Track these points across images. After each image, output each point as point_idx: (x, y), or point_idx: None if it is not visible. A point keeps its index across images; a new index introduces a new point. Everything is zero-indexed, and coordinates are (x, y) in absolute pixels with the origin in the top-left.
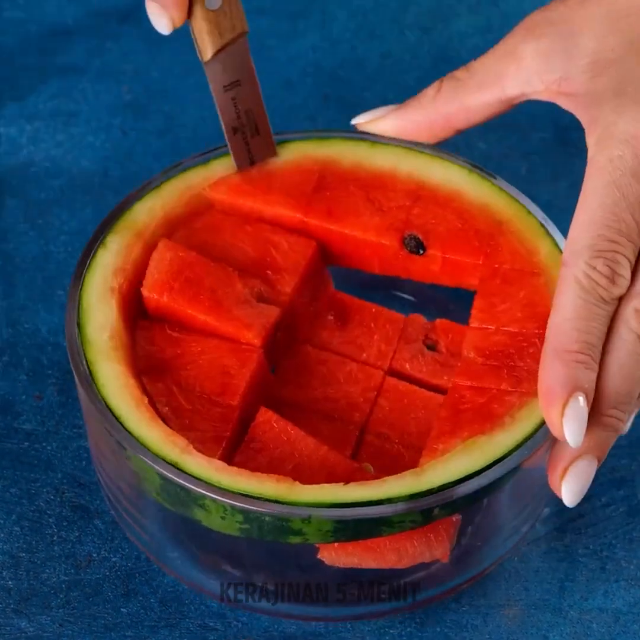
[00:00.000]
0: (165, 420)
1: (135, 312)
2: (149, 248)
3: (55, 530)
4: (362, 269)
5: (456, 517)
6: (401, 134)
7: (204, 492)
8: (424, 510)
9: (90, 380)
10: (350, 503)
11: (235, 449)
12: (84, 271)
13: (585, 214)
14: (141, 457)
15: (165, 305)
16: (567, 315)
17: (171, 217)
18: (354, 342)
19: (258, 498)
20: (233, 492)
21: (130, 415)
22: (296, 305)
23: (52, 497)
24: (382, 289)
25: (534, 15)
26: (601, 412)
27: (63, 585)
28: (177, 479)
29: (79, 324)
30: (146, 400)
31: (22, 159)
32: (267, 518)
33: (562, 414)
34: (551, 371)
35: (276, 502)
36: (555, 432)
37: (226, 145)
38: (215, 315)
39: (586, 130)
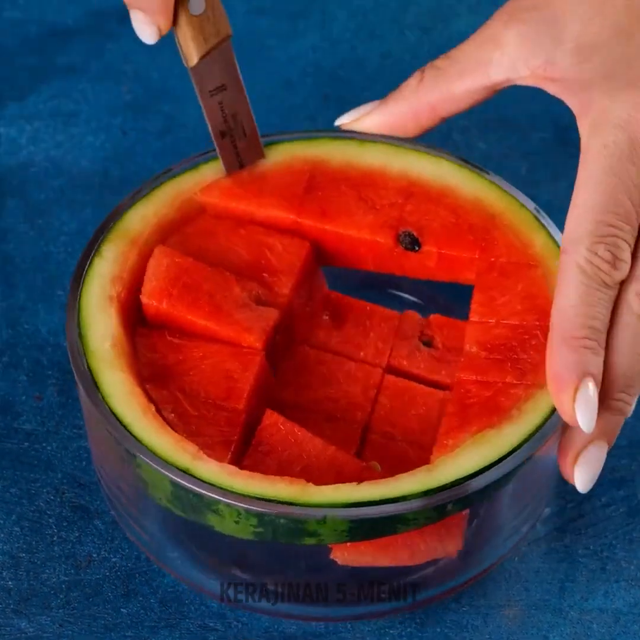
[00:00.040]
0: (172, 426)
1: (134, 320)
2: (144, 255)
3: (55, 530)
4: (356, 267)
5: (465, 512)
6: (387, 129)
7: (217, 497)
8: (438, 506)
9: (95, 389)
10: (365, 502)
11: (243, 453)
12: (82, 281)
13: (583, 200)
14: (152, 465)
15: (165, 311)
16: (572, 302)
17: (164, 224)
18: (351, 341)
19: (272, 501)
20: (247, 496)
21: (139, 423)
22: (293, 307)
23: (52, 497)
24: (374, 287)
25: (515, 0)
26: (609, 397)
27: (63, 586)
28: (190, 485)
29: (80, 334)
30: (153, 408)
31: (22, 159)
32: (281, 521)
33: (574, 400)
34: (559, 358)
35: (291, 504)
36: (567, 418)
37: (214, 150)
38: (216, 319)
39: (577, 116)
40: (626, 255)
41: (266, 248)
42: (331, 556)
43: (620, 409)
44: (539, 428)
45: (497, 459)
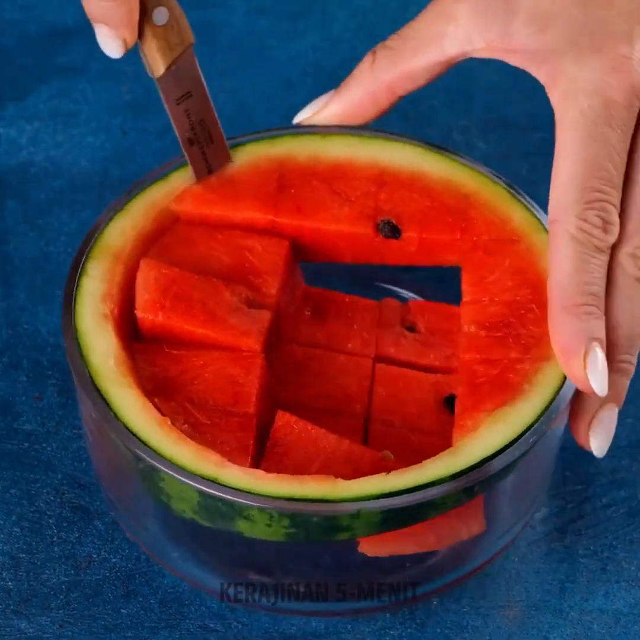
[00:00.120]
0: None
1: (129, 336)
2: (129, 270)
3: (55, 531)
4: (334, 261)
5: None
6: (346, 116)
7: (249, 502)
8: (467, 488)
9: (106, 408)
10: (397, 491)
11: (260, 456)
12: (73, 301)
13: (566, 169)
14: (178, 477)
15: (161, 324)
16: (568, 271)
17: (143, 236)
18: (337, 334)
19: (305, 500)
20: (279, 498)
21: (157, 437)
22: (281, 306)
23: (52, 498)
24: (347, 278)
25: None
26: (614, 359)
27: (63, 586)
28: (220, 494)
29: (81, 355)
30: (168, 420)
31: (21, 160)
32: (315, 519)
33: (585, 366)
34: (564, 327)
35: (323, 501)
36: (580, 385)
37: (181, 158)
38: (212, 326)
39: (546, 86)
40: (615, 218)
41: (246, 250)
42: (359, 549)
43: (625, 370)
44: (553, 399)
45: (518, 434)
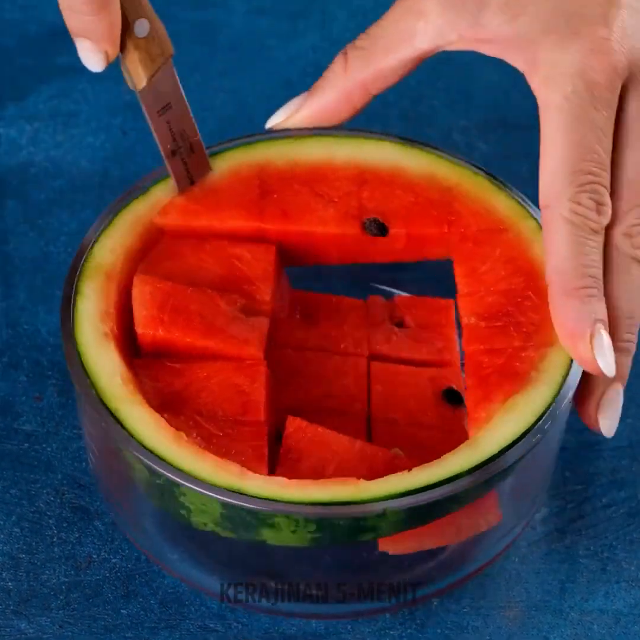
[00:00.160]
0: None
1: (128, 353)
2: (122, 287)
3: (55, 531)
4: (320, 263)
5: None
6: (320, 118)
7: (274, 510)
8: (488, 479)
9: (120, 428)
10: (420, 488)
11: (273, 462)
12: (71, 323)
13: (555, 155)
14: (200, 491)
15: (162, 338)
16: (566, 255)
17: (131, 253)
18: (328, 335)
19: (330, 504)
20: (305, 504)
21: (175, 452)
22: (274, 311)
23: (52, 498)
24: (327, 278)
25: None
26: (617, 339)
27: (63, 587)
28: (245, 503)
29: (88, 376)
30: (183, 434)
31: (21, 160)
32: (341, 522)
33: (592, 349)
34: (567, 311)
35: (349, 503)
36: (589, 367)
37: (160, 170)
38: (212, 337)
39: (526, 74)
40: (607, 199)
41: (235, 259)
42: (380, 548)
43: (627, 349)
44: (561, 385)
45: (533, 422)
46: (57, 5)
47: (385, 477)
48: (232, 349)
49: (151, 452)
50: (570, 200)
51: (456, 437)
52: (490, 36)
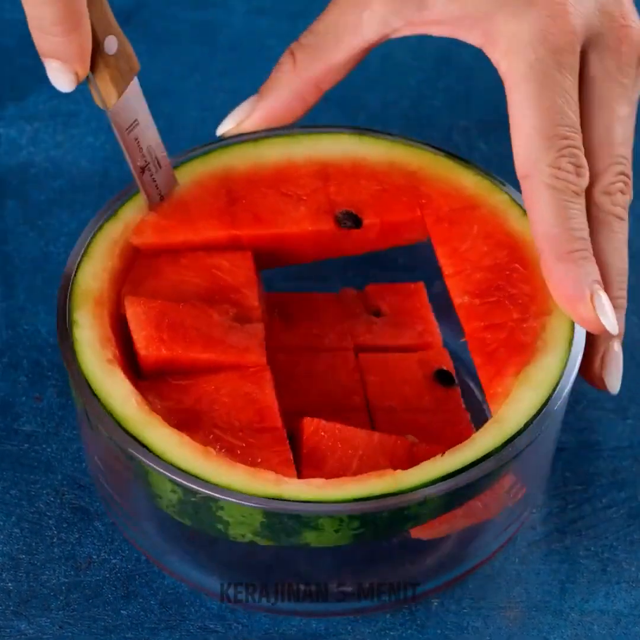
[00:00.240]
0: None
1: (131, 376)
2: (113, 312)
3: (55, 532)
4: (294, 263)
5: None
6: (274, 119)
7: (318, 511)
8: (519, 453)
9: (148, 452)
10: (457, 471)
11: (299, 465)
12: (73, 355)
13: (527, 124)
14: (241, 503)
15: (165, 357)
16: (554, 221)
17: (114, 276)
18: (310, 334)
19: (372, 498)
20: (347, 501)
21: (209, 468)
22: (263, 316)
23: (52, 498)
24: (292, 278)
25: None
26: (611, 297)
27: (63, 587)
28: (288, 509)
29: (103, 406)
30: (212, 450)
31: (21, 160)
32: (384, 514)
33: (594, 309)
34: (563, 276)
35: (390, 495)
36: (592, 327)
37: (121, 191)
38: (213, 350)
39: (484, 48)
40: (584, 161)
41: (215, 269)
42: (413, 536)
43: (622, 306)
44: (570, 349)
45: (551, 390)
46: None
47: (420, 465)
48: (234, 359)
49: (185, 471)
50: (549, 166)
51: (455, 417)
52: (439, 17)
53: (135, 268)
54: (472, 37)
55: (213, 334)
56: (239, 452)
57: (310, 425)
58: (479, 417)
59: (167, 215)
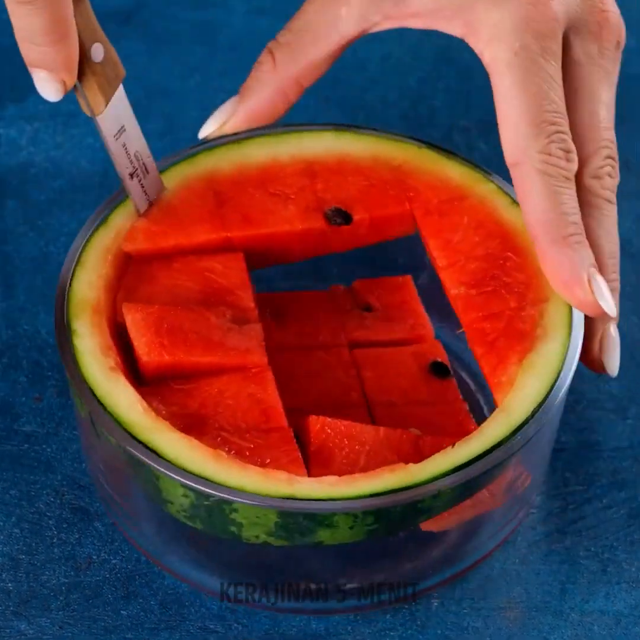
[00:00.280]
0: None
1: (132, 383)
2: (110, 320)
3: (55, 532)
4: (283, 262)
5: None
6: (257, 119)
7: (333, 509)
8: (528, 441)
9: (159, 458)
10: (469, 461)
11: (307, 464)
12: (75, 365)
13: (515, 111)
14: (256, 504)
15: (167, 362)
16: (547, 207)
17: (109, 284)
18: (303, 332)
19: (387, 493)
20: (362, 497)
21: (221, 471)
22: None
23: (52, 499)
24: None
25: None
26: (605, 279)
27: (63, 588)
28: (303, 507)
29: (110, 415)
30: (222, 452)
31: (21, 160)
32: (398, 508)
33: (592, 291)
34: (560, 261)
35: (404, 489)
36: (591, 310)
37: (109, 198)
38: (214, 353)
39: (466, 39)
40: (572, 146)
41: (207, 272)
42: (423, 529)
43: (616, 287)
44: (569, 336)
45: (554, 377)
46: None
47: (431, 458)
48: (236, 361)
49: (197, 475)
50: (540, 153)
51: (454, 408)
52: (417, 10)
53: (128, 275)
54: (452, 28)
55: (213, 337)
56: (247, 453)
57: (316, 423)
58: (474, 407)
59: (158, 220)
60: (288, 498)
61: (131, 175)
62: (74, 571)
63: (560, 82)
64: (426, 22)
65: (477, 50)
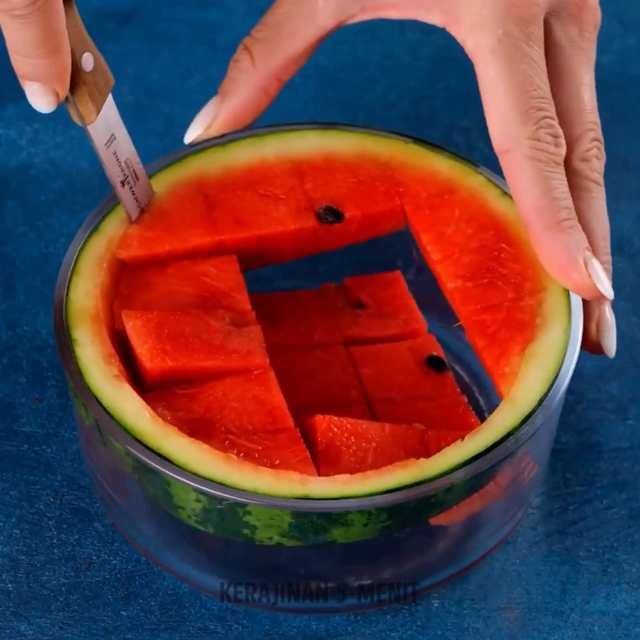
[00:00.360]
0: None
1: (135, 389)
2: (110, 328)
3: (55, 533)
4: (275, 262)
5: None
6: (241, 119)
7: (349, 507)
8: (536, 430)
9: (170, 464)
10: (479, 454)
11: (315, 463)
12: (79, 374)
13: (501, 99)
14: (269, 505)
15: (170, 368)
16: (538, 193)
17: (105, 292)
18: (298, 332)
19: (400, 489)
20: (375, 494)
21: (234, 474)
22: None
23: (51, 499)
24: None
25: None
26: (600, 262)
27: (63, 588)
28: (318, 507)
29: (118, 424)
30: (233, 455)
31: (21, 161)
32: (412, 504)
33: (589, 275)
34: (554, 245)
35: (417, 484)
36: (588, 294)
37: (99, 206)
38: (216, 356)
39: (448, 27)
40: (560, 131)
41: (202, 276)
42: (432, 522)
43: (609, 269)
44: (569, 323)
45: (558, 365)
46: None
47: (442, 452)
48: (238, 363)
49: (209, 479)
50: (529, 139)
51: (453, 401)
52: (395, 0)
53: (123, 282)
54: (433, 17)
55: (214, 341)
56: (256, 455)
57: (323, 422)
58: (470, 400)
59: (150, 226)
60: (302, 498)
61: (122, 182)
62: (74, 572)
63: (544, 67)
64: (405, 12)
65: (459, 39)
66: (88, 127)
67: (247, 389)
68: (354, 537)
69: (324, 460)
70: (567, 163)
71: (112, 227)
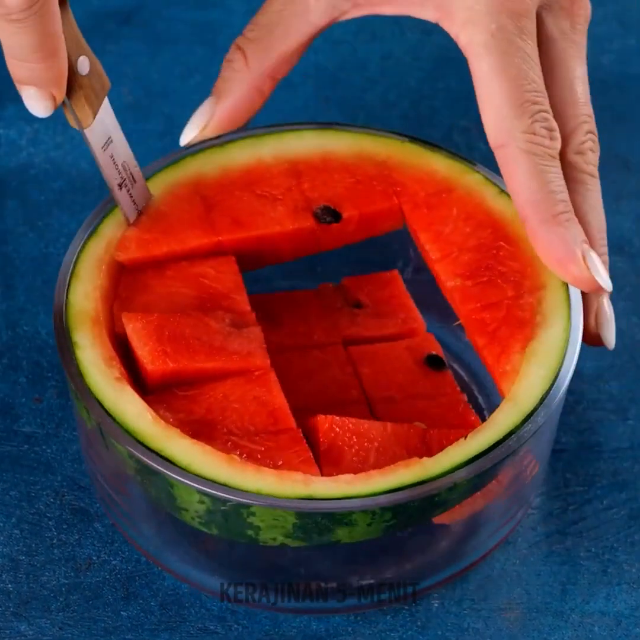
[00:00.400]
0: None
1: (136, 392)
2: (110, 330)
3: (55, 533)
4: (273, 263)
5: None
6: (236, 119)
7: (353, 507)
8: (538, 428)
9: (173, 466)
10: (482, 453)
11: (317, 463)
12: (81, 377)
13: (495, 93)
14: (273, 506)
15: (172, 370)
16: (534, 186)
17: (104, 294)
18: (297, 332)
19: (404, 488)
20: (379, 494)
21: (237, 475)
22: None
23: (51, 500)
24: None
25: None
26: (597, 254)
27: (63, 589)
28: (322, 507)
29: (121, 426)
30: (236, 457)
31: (21, 161)
32: (415, 503)
33: (588, 267)
34: (552, 239)
35: (420, 483)
36: (587, 286)
37: (97, 208)
38: (217, 357)
39: (441, 23)
40: (555, 124)
41: (201, 277)
42: (435, 521)
43: (606, 261)
44: (569, 320)
45: (559, 363)
46: None
47: (444, 451)
48: (239, 364)
49: (213, 481)
50: (524, 133)
51: (453, 400)
52: None
53: (122, 284)
54: (425, 13)
55: (214, 342)
56: (259, 456)
57: (325, 422)
58: (469, 398)
59: (148, 228)
60: (306, 499)
61: (120, 185)
62: (74, 572)
63: (537, 60)
64: (398, 8)
65: (452, 34)
66: (85, 130)
67: (248, 390)
68: (358, 537)
69: (326, 461)
70: (562, 156)
71: (111, 230)
